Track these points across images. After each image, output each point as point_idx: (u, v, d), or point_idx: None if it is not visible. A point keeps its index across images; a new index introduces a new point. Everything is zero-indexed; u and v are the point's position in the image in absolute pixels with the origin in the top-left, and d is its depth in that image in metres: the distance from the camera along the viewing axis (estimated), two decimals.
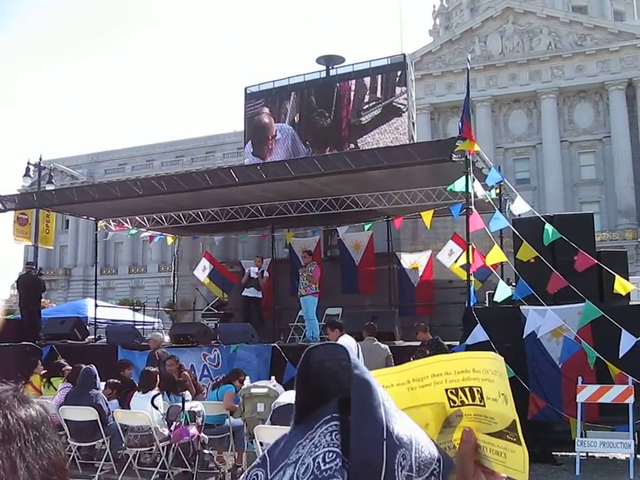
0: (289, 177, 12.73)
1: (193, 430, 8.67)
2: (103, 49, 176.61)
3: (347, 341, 10.15)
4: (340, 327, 10.63)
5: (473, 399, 0.96)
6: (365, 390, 0.83)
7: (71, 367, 11.17)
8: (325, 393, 0.90)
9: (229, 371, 10.83)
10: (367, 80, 19.12)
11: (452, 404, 0.97)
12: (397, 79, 18.78)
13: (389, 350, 10.84)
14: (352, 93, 19.23)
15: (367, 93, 19.10)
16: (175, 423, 8.83)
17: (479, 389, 0.95)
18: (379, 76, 18.96)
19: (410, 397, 0.97)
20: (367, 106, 19.09)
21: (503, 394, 0.94)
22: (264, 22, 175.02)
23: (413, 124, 19.42)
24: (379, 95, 18.98)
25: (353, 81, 19.30)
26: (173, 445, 8.91)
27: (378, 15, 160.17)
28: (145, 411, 9.15)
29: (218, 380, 10.84)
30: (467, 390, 0.96)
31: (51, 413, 1.26)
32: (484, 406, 0.96)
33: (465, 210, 11.50)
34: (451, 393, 0.97)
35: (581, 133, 55.95)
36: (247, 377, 10.27)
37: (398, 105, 18.61)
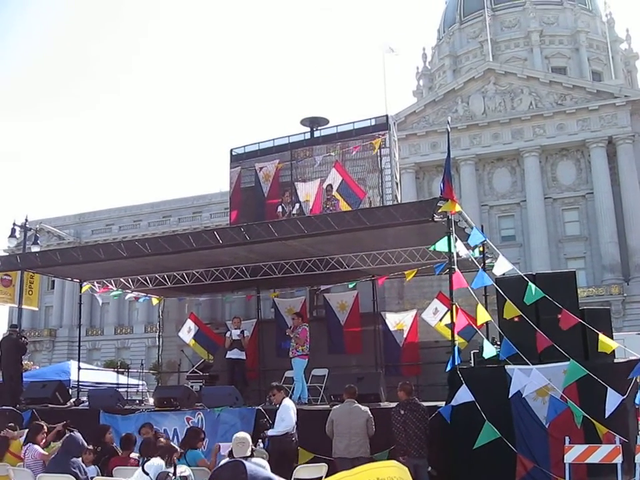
0: (273, 239, 12.78)
1: None
2: (90, 108, 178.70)
3: (287, 403, 11.04)
4: (282, 390, 11.51)
5: None
6: None
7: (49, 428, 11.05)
8: None
9: (188, 434, 10.51)
10: None
11: None
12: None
13: (369, 412, 10.75)
14: None
15: None
16: None
17: None
18: None
19: None
20: None
21: None
22: (250, 83, 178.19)
23: (397, 184, 19.63)
24: None
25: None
26: None
27: (362, 77, 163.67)
28: (137, 476, 8.92)
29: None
30: None
31: None
32: None
33: (447, 270, 11.53)
34: None
35: (564, 189, 56.74)
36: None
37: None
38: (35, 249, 27.02)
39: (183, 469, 8.84)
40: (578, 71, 68.22)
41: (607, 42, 70.24)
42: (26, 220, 28.20)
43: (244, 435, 7.90)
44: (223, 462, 7.13)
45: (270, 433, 10.79)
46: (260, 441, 10.70)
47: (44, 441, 11.02)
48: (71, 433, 9.89)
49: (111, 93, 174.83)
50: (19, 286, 23.85)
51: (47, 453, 10.38)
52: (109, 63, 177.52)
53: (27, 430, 11.76)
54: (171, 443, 10.17)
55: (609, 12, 75.00)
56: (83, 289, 18.31)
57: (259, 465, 7.22)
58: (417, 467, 9.99)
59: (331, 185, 18.87)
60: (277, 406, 11.24)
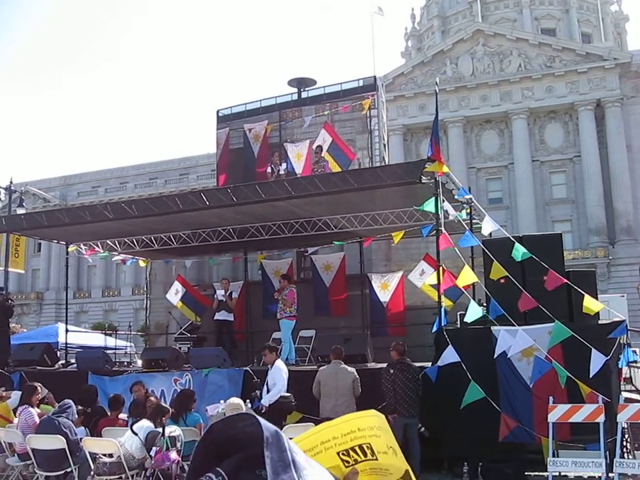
0: (260, 200, 12.74)
1: (173, 455, 8.57)
2: (75, 72, 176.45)
3: (279, 365, 10.98)
4: (275, 351, 11.31)
5: (365, 455, 0.99)
6: (275, 449, 0.87)
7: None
8: (224, 456, 0.96)
9: (183, 397, 10.37)
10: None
11: (346, 464, 1.00)
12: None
13: (355, 373, 10.83)
14: None
15: None
16: (154, 448, 8.70)
17: (368, 445, 0.98)
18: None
19: None
20: None
21: (391, 447, 0.98)
22: (236, 44, 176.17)
23: (385, 145, 19.56)
24: None
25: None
26: (153, 471, 8.76)
27: (350, 38, 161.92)
28: (127, 437, 8.98)
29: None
30: (357, 448, 0.99)
31: None
32: (377, 459, 0.99)
33: (435, 231, 11.54)
34: (343, 454, 1.00)
35: (552, 152, 56.64)
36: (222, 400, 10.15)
37: None
38: (21, 211, 26.83)
39: (172, 429, 8.91)
40: (567, 33, 67.68)
41: (597, 3, 69.57)
42: (11, 182, 27.93)
43: (238, 401, 7.95)
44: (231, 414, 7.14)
45: (265, 402, 10.70)
46: (248, 401, 10.76)
47: (38, 402, 11.01)
48: (67, 400, 9.93)
49: (97, 55, 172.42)
50: (4, 249, 23.70)
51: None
52: (96, 27, 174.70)
53: (14, 392, 11.79)
54: (161, 403, 10.23)
55: None
56: (69, 250, 18.24)
57: None
58: (407, 425, 10.14)
59: (320, 146, 18.76)
60: (269, 367, 11.26)
